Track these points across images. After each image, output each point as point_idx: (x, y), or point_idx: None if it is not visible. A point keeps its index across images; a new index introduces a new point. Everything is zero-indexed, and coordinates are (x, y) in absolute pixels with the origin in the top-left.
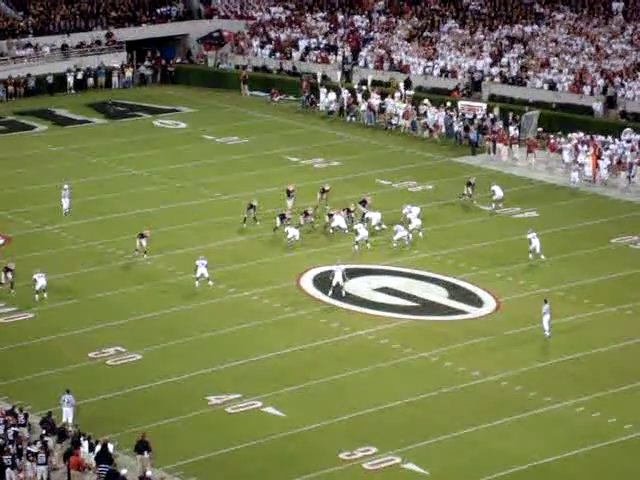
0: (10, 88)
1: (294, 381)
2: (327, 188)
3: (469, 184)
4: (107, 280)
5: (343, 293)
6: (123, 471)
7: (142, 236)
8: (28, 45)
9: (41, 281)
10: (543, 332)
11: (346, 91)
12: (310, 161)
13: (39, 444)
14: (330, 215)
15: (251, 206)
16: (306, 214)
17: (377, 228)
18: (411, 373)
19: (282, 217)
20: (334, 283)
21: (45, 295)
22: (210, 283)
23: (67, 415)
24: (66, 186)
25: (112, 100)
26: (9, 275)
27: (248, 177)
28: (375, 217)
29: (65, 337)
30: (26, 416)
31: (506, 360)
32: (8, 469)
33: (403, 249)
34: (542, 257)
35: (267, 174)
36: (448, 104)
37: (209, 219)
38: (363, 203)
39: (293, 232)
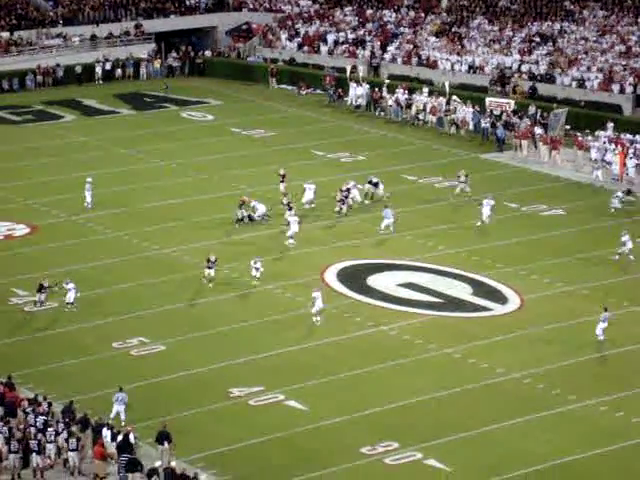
0: (39, 77)
1: (317, 375)
2: (375, 181)
3: None
4: (131, 271)
5: (318, 319)
6: (157, 463)
7: (209, 261)
8: (58, 35)
9: (71, 294)
10: (596, 337)
11: (367, 85)
12: (336, 155)
13: (65, 432)
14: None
15: (243, 203)
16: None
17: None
18: (434, 369)
19: (242, 204)
20: (315, 309)
21: (74, 308)
22: (255, 283)
23: (118, 411)
24: (89, 179)
25: (167, 84)
26: (43, 295)
27: (273, 170)
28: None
29: (89, 327)
30: (49, 405)
31: (530, 358)
32: (34, 454)
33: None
34: None
35: (292, 167)
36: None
37: (234, 212)
38: (372, 183)
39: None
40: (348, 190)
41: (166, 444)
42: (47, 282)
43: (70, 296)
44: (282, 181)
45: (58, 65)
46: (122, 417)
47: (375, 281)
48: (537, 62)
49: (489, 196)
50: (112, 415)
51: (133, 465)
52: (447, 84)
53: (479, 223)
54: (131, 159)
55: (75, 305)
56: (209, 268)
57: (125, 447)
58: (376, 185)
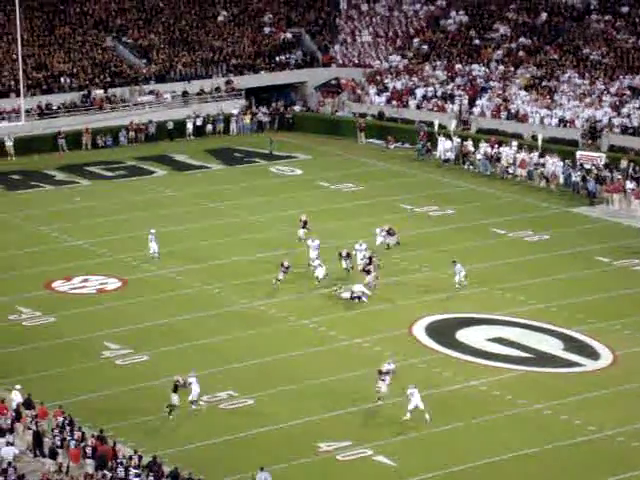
0: (131, 134)
1: (406, 430)
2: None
3: None
4: (219, 325)
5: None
6: None
7: (381, 374)
8: (150, 92)
9: (195, 388)
10: None
11: (458, 139)
12: (424, 209)
13: None
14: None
15: (283, 265)
16: (348, 255)
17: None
18: (524, 425)
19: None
20: (411, 407)
21: (200, 403)
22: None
23: None
24: (152, 230)
25: (272, 138)
26: (176, 398)
27: (362, 224)
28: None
29: None
30: (140, 458)
31: (623, 415)
32: None
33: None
34: None
35: (381, 221)
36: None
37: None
38: (388, 231)
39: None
40: (370, 258)
41: None
42: (182, 378)
43: (195, 394)
44: (303, 227)
45: (150, 121)
46: None
47: (464, 335)
48: (629, 115)
49: None
50: None
51: None
52: (540, 137)
53: None
54: (220, 213)
55: (198, 403)
56: (382, 381)
57: None
58: (391, 234)
